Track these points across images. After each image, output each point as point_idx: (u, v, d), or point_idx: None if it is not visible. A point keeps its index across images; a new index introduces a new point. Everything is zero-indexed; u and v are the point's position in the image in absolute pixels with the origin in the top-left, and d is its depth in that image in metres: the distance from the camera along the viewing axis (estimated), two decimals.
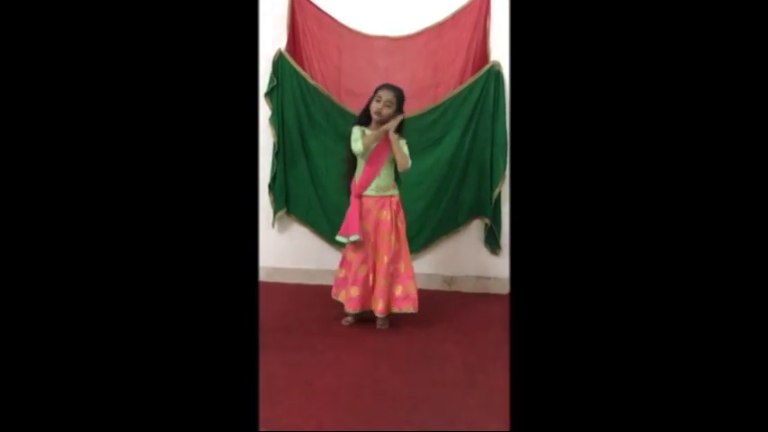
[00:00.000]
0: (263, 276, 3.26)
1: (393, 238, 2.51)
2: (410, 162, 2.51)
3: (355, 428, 1.59)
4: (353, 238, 2.49)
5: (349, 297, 2.53)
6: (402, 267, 2.55)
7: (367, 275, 2.53)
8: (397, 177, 2.60)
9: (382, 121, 2.48)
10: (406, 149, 2.51)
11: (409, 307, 2.53)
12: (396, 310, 2.54)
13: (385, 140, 2.50)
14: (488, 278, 3.28)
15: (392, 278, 2.53)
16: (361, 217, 2.51)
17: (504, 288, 3.20)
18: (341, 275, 2.63)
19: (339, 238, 2.57)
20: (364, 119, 2.55)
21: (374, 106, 2.48)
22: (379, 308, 2.51)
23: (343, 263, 2.63)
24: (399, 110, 2.50)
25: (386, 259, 2.50)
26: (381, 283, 2.51)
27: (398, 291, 2.55)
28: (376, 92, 2.50)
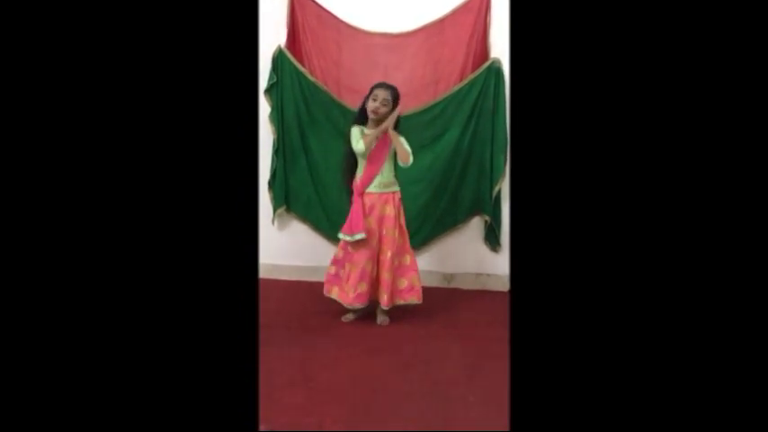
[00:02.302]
0: (262, 273, 3.25)
1: (397, 233, 2.54)
2: (412, 157, 2.49)
3: (355, 426, 1.59)
4: (359, 236, 2.47)
5: (358, 293, 2.51)
6: (407, 260, 2.61)
7: (373, 270, 2.55)
8: (396, 174, 2.61)
9: (379, 120, 2.48)
10: (407, 144, 2.51)
11: (414, 298, 2.59)
12: (401, 302, 2.59)
13: (385, 138, 2.50)
14: (488, 275, 3.28)
15: (397, 272, 2.57)
16: (365, 214, 2.51)
17: (504, 285, 3.20)
18: (332, 272, 2.64)
19: (342, 236, 2.53)
20: (361, 118, 2.55)
21: (371, 105, 2.48)
22: (384, 300, 2.54)
23: (335, 261, 2.63)
24: (395, 108, 2.50)
25: (389, 254, 2.52)
26: (385, 276, 2.53)
27: (403, 284, 2.59)
28: (372, 91, 2.50)
